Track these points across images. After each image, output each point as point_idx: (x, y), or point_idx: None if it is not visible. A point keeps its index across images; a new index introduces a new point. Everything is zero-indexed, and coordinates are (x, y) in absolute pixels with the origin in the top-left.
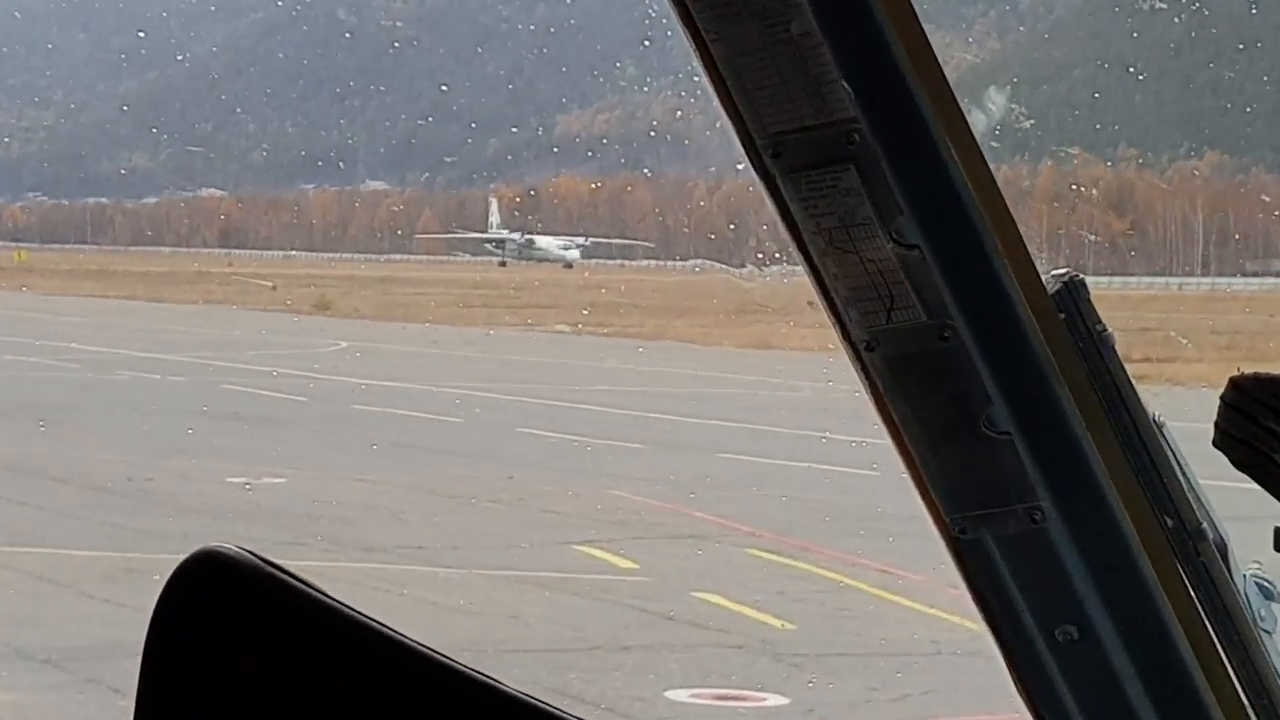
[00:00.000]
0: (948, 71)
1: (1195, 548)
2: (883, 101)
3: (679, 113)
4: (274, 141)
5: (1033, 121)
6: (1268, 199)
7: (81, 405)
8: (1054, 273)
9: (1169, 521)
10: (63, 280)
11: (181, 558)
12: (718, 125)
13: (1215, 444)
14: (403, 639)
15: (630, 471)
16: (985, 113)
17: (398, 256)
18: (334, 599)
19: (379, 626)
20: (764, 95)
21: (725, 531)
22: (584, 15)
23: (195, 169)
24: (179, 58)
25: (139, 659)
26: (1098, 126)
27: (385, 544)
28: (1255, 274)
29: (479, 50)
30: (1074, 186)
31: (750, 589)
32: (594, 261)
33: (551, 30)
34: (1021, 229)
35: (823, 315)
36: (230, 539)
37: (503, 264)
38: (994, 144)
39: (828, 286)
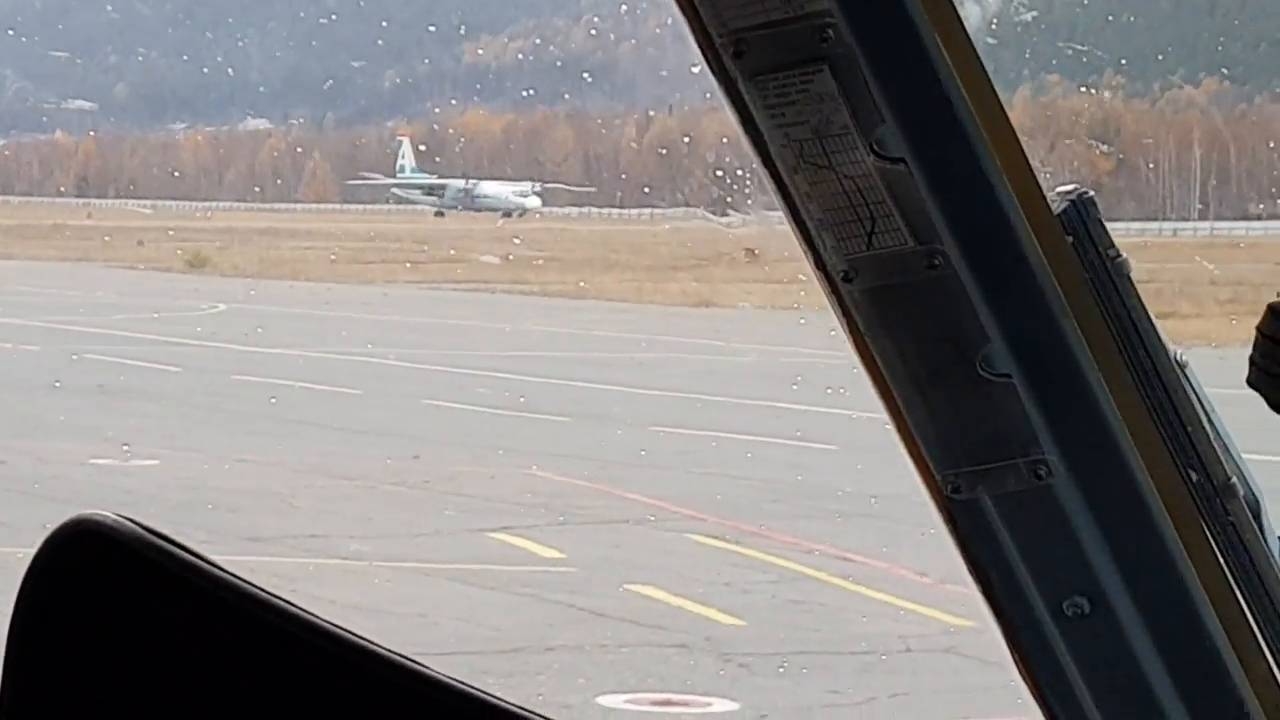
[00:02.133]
0: None
1: (1223, 506)
2: None
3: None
4: (138, 74)
5: (1035, 13)
6: (1274, 133)
7: None
8: (1059, 189)
9: (1193, 476)
10: None
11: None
12: (649, 51)
13: (1250, 382)
14: (307, 615)
15: (553, 448)
16: (980, 3)
17: (283, 206)
18: (230, 573)
19: (281, 603)
20: None
21: (662, 515)
22: None
23: (47, 106)
24: None
25: None
26: (1079, 49)
27: (273, 533)
28: (1260, 217)
29: None
30: (1051, 117)
31: (692, 580)
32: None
33: None
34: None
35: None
36: None
37: (439, 214)
38: (989, 40)
39: (798, 208)
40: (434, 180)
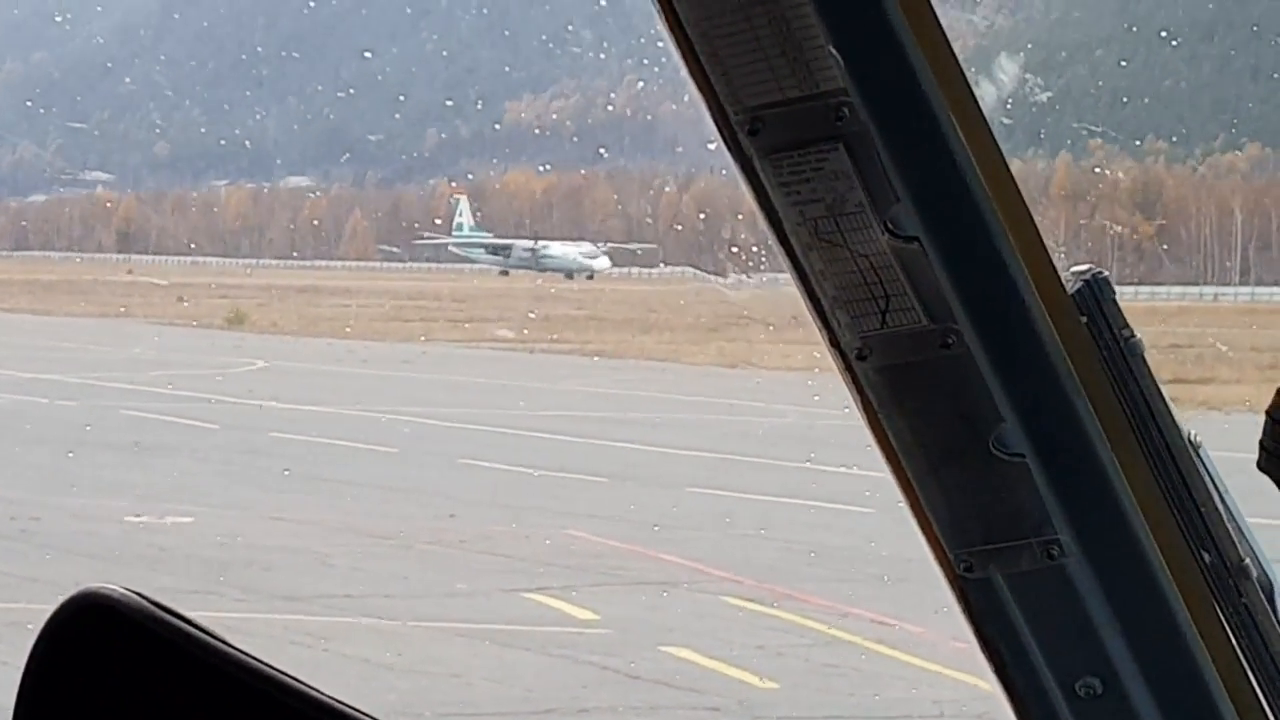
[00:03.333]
0: (958, 49)
1: (1237, 587)
2: (877, 71)
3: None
4: (180, 131)
5: (1050, 94)
6: None
7: None
8: (1074, 269)
9: (1206, 557)
10: None
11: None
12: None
13: (1260, 466)
14: (314, 693)
15: (589, 508)
16: (995, 84)
17: (322, 263)
18: (235, 648)
19: (286, 679)
20: (740, 63)
21: (697, 577)
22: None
23: (90, 162)
24: (71, 36)
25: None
26: (1122, 115)
27: (308, 592)
28: None
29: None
30: (1097, 180)
31: (726, 642)
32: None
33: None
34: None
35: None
36: (130, 588)
37: (504, 273)
38: (1004, 120)
39: (813, 286)
40: (498, 240)
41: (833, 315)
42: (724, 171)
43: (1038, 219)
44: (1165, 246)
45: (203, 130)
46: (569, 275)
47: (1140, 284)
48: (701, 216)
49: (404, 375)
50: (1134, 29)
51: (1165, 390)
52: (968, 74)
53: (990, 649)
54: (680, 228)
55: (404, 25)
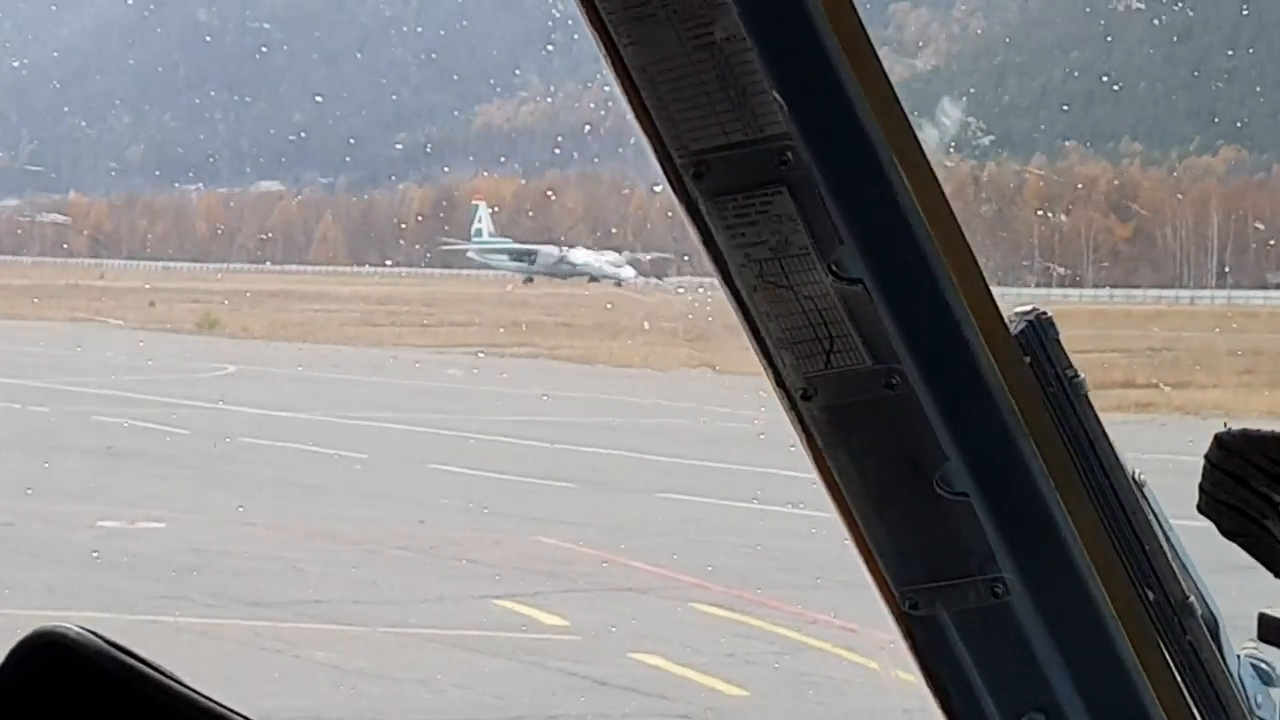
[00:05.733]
0: (924, 58)
1: (1181, 625)
2: (820, 115)
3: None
4: (152, 137)
5: (993, 138)
6: None
7: None
8: (1017, 310)
9: (1150, 595)
10: None
11: (41, 613)
12: (632, 141)
13: (1200, 509)
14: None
15: (558, 514)
16: (938, 127)
17: (293, 268)
18: (189, 688)
19: (227, 711)
20: (684, 108)
21: (666, 583)
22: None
23: (60, 168)
24: (41, 41)
25: None
26: (1097, 118)
27: (278, 598)
28: (1276, 287)
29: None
30: (1074, 182)
31: (696, 649)
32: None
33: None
34: (1010, 236)
35: None
36: (100, 592)
37: (529, 280)
38: (986, 137)
39: (758, 327)
40: (523, 246)
41: (778, 356)
42: None
43: (1015, 221)
44: (1139, 249)
45: (174, 136)
46: (593, 280)
47: (1116, 287)
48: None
49: (373, 380)
50: (1108, 38)
51: (1141, 395)
52: (909, 115)
53: (936, 684)
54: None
55: (375, 31)
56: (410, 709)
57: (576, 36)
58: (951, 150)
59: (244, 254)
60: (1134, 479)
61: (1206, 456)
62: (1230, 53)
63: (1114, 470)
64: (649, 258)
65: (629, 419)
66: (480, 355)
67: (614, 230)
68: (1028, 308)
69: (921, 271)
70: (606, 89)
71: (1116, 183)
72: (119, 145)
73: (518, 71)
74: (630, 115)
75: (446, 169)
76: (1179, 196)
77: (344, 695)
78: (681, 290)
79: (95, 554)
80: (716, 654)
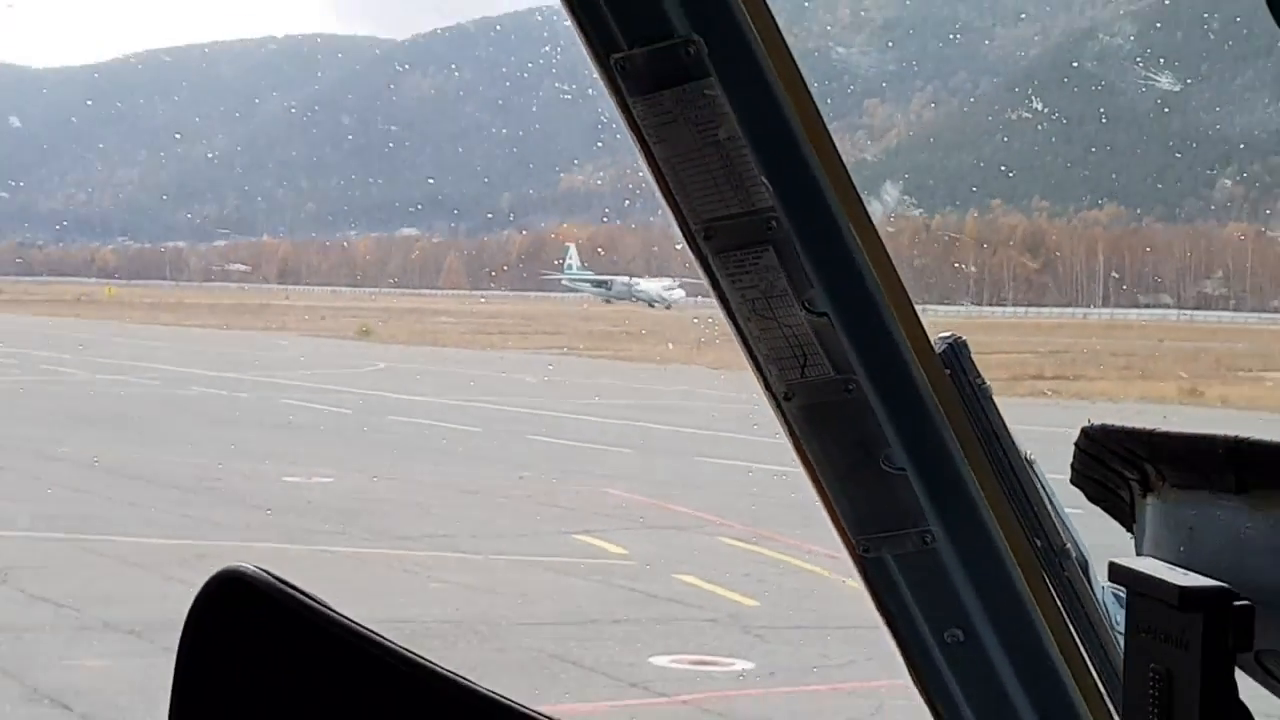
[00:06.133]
0: (888, 139)
1: (1061, 565)
2: (796, 194)
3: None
4: (323, 195)
5: (921, 210)
6: (1155, 245)
7: (160, 416)
8: (941, 335)
9: (1039, 543)
10: (145, 311)
11: (257, 547)
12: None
13: (1072, 482)
14: (407, 653)
15: (620, 472)
16: (881, 203)
17: (427, 291)
18: (339, 613)
19: (383, 640)
20: (697, 188)
21: (700, 523)
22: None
23: (251, 216)
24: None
25: None
26: (1015, 182)
27: (415, 533)
28: (1146, 306)
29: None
30: (998, 229)
31: (721, 571)
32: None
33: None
34: (952, 268)
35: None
36: (286, 530)
37: (608, 301)
38: (933, 198)
39: (752, 346)
40: (601, 276)
41: (766, 368)
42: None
43: (957, 258)
44: (1047, 279)
45: (337, 196)
46: (650, 304)
47: (1035, 305)
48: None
49: (485, 373)
50: (1025, 115)
51: (1049, 385)
52: (861, 194)
53: (883, 608)
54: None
55: (487, 116)
56: (512, 615)
57: (619, 136)
58: (909, 204)
59: (390, 281)
60: (1026, 458)
61: (1075, 443)
62: (1109, 132)
63: (1012, 452)
64: (696, 282)
65: (673, 402)
66: (564, 355)
67: (666, 263)
68: (948, 334)
69: (870, 307)
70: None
71: (1029, 230)
72: (298, 203)
73: (593, 147)
74: (657, 191)
75: (539, 220)
76: (1075, 240)
77: (462, 604)
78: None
79: (271, 505)
80: (736, 574)
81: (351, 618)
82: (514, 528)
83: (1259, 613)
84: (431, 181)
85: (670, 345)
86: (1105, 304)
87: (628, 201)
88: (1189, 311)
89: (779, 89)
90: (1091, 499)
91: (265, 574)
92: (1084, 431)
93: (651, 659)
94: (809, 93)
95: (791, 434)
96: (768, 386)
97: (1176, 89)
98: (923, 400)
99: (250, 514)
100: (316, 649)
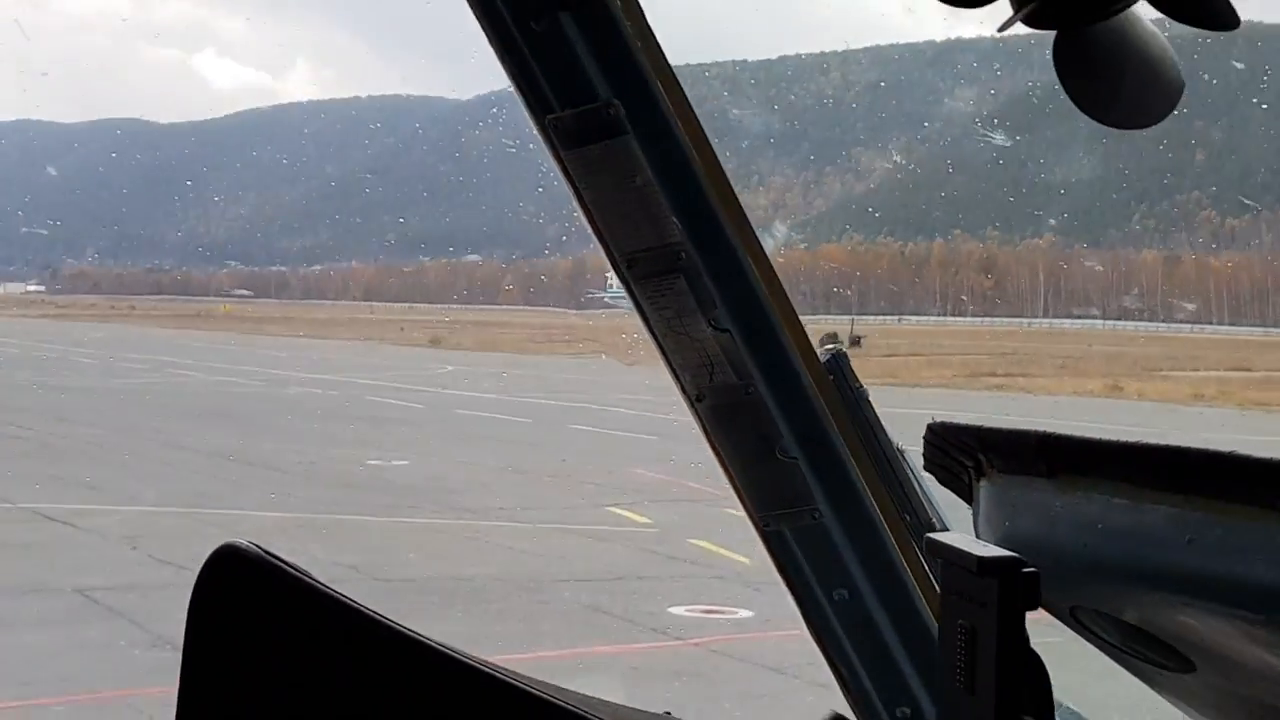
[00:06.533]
0: (873, 179)
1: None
2: (701, 230)
3: None
4: (402, 228)
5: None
6: (1087, 266)
7: (263, 411)
8: (825, 347)
9: (908, 518)
10: (253, 324)
11: (344, 518)
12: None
13: (925, 469)
14: (390, 623)
15: (646, 456)
16: (772, 237)
17: (488, 306)
18: (324, 584)
19: (365, 610)
20: (619, 226)
21: (712, 497)
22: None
23: (343, 245)
24: (330, 173)
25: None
26: (973, 214)
27: (477, 506)
28: (1078, 317)
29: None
30: (958, 253)
31: (728, 537)
32: None
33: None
34: (921, 287)
35: None
36: (367, 504)
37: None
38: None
39: (669, 357)
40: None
41: (681, 375)
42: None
43: (927, 278)
44: (998, 294)
45: (415, 228)
46: None
47: (988, 316)
48: None
49: (535, 374)
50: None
51: (999, 381)
52: (757, 232)
53: (784, 573)
54: None
55: (536, 162)
56: (555, 573)
57: None
58: (885, 234)
59: (458, 299)
60: (898, 449)
61: (924, 437)
62: (1044, 175)
63: (885, 442)
64: None
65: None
66: (602, 359)
67: None
68: (831, 345)
69: (765, 324)
70: None
71: (985, 255)
72: (382, 233)
73: None
74: (589, 228)
75: (579, 248)
76: (1022, 261)
77: (514, 564)
78: None
79: (356, 484)
80: (737, 539)
81: (334, 588)
82: (557, 501)
83: (1069, 575)
84: (492, 217)
85: None
86: (1045, 315)
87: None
88: (1113, 322)
89: (685, 143)
90: (941, 483)
91: (258, 549)
92: (929, 427)
93: (670, 609)
94: (710, 145)
95: (704, 430)
96: (683, 390)
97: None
98: (810, 401)
99: (339, 492)
100: (305, 615)
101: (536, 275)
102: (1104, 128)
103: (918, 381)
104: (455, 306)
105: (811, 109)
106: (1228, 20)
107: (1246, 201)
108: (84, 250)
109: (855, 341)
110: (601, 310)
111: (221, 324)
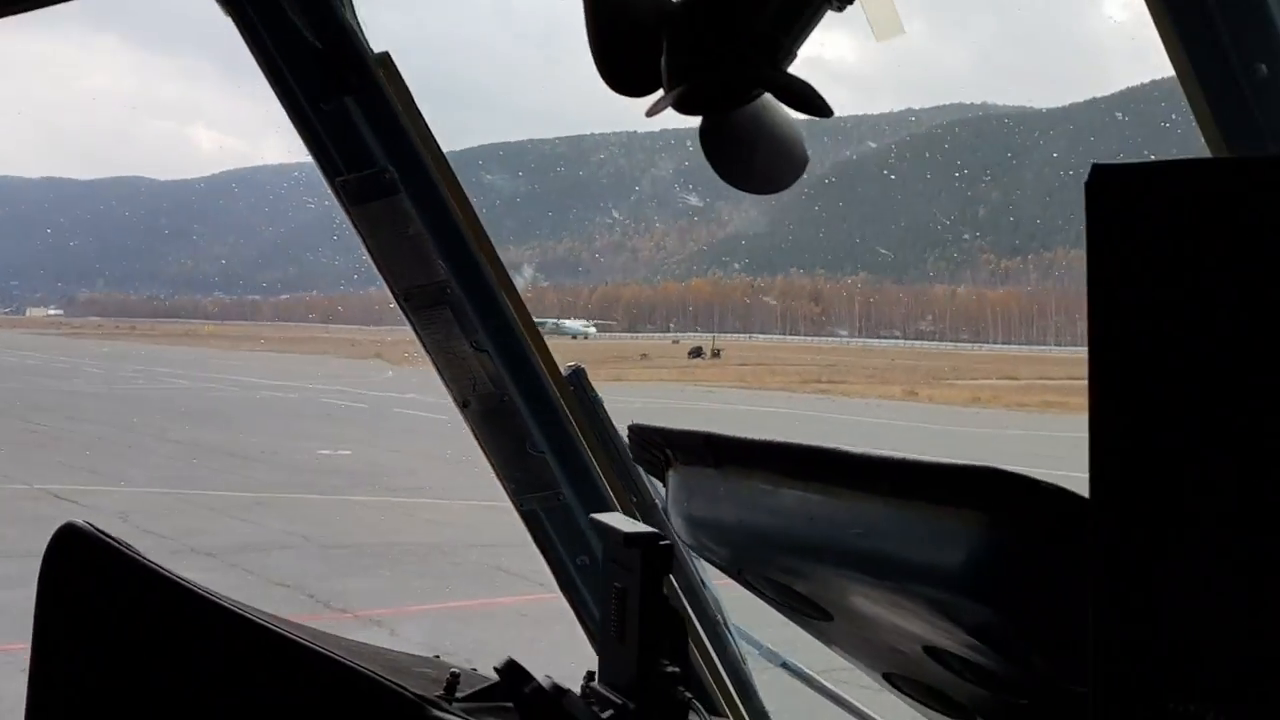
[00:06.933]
0: (732, 227)
1: (650, 514)
2: (462, 270)
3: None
4: (351, 263)
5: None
6: (892, 297)
7: (235, 411)
8: (568, 365)
9: (634, 499)
10: (231, 342)
11: (296, 497)
12: (579, 269)
13: (634, 460)
14: (207, 594)
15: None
16: (523, 277)
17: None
18: (151, 561)
19: (187, 584)
20: (398, 267)
21: None
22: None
23: (305, 278)
24: (297, 220)
25: (263, 553)
26: (805, 256)
27: (406, 487)
28: (885, 337)
29: None
30: (793, 288)
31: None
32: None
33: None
34: (766, 312)
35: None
36: (321, 487)
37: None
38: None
39: (442, 373)
40: (541, 319)
41: (451, 385)
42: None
43: (771, 306)
44: (824, 318)
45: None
46: (574, 336)
47: (816, 335)
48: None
49: None
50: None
51: (826, 387)
52: (509, 271)
53: (540, 545)
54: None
55: None
56: (468, 540)
57: (546, 226)
58: (739, 271)
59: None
60: (625, 446)
61: (628, 437)
62: (859, 228)
63: (616, 438)
64: (612, 321)
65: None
66: None
67: (576, 310)
68: (572, 363)
69: (516, 345)
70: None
71: (814, 288)
72: (338, 269)
73: (526, 233)
74: (374, 269)
75: None
76: (843, 294)
77: (434, 532)
78: (621, 338)
79: (309, 469)
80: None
81: (158, 563)
82: (474, 484)
83: (734, 546)
84: None
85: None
86: (859, 335)
87: (544, 273)
88: (912, 341)
89: (448, 200)
90: (647, 472)
91: (93, 529)
92: (630, 428)
93: None
94: (469, 201)
95: (474, 432)
96: (454, 398)
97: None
98: (554, 407)
99: (295, 475)
100: (131, 584)
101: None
102: (925, 189)
103: (763, 385)
104: (399, 327)
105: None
106: (824, 110)
107: (1018, 244)
108: (95, 282)
109: (715, 353)
110: None
111: (205, 342)
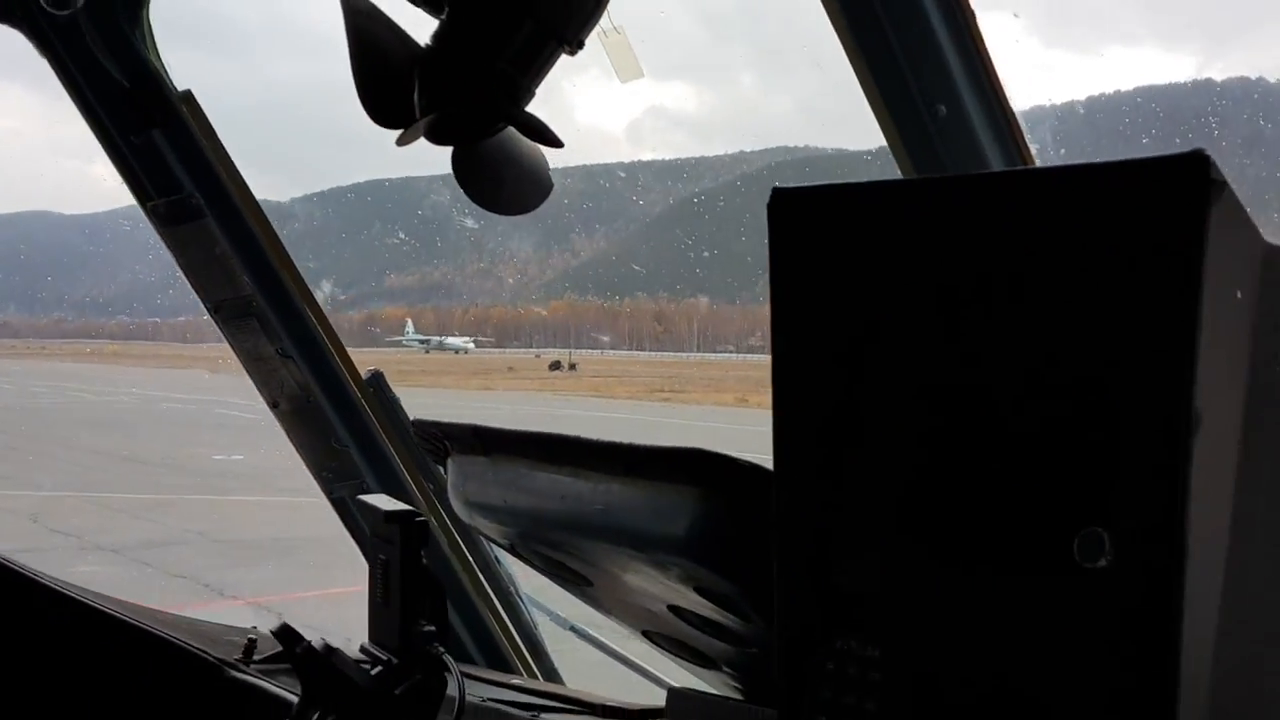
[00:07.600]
0: (585, 255)
1: (443, 498)
2: (266, 284)
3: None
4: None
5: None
6: (726, 317)
7: (136, 420)
8: (368, 369)
9: (430, 485)
10: (133, 360)
11: (193, 497)
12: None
13: (422, 450)
14: (15, 567)
15: None
16: (323, 291)
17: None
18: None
19: (22, 569)
20: (208, 283)
21: None
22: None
23: (199, 302)
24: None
25: (162, 548)
26: (663, 281)
27: (293, 487)
28: (721, 351)
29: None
30: (640, 309)
31: None
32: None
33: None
34: (615, 330)
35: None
36: (212, 488)
37: (427, 351)
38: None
39: (252, 375)
40: (424, 337)
41: (261, 388)
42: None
43: (618, 322)
44: (668, 336)
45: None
46: (456, 352)
47: (660, 350)
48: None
49: None
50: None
51: (670, 396)
52: (309, 285)
53: (349, 529)
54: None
55: (361, 239)
56: (329, 532)
57: (424, 252)
58: (591, 294)
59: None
60: (418, 434)
61: (413, 431)
62: (703, 256)
63: (410, 429)
64: (484, 338)
65: (468, 406)
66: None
67: (451, 328)
68: (371, 367)
69: (319, 351)
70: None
71: (658, 309)
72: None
73: (405, 262)
74: (190, 285)
75: (373, 304)
76: (684, 314)
77: (317, 527)
78: (492, 353)
79: (204, 473)
80: None
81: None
82: None
83: (503, 522)
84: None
85: (458, 377)
86: (699, 350)
87: (426, 295)
88: (744, 355)
89: (250, 221)
90: (434, 462)
91: None
92: (413, 423)
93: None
94: (269, 223)
95: (283, 428)
96: (265, 399)
97: None
98: (356, 406)
99: (192, 478)
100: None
101: (354, 325)
102: (756, 222)
103: (613, 395)
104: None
105: (551, 206)
106: (555, 142)
107: None
108: (7, 307)
109: (572, 366)
110: (392, 350)
111: (110, 359)
